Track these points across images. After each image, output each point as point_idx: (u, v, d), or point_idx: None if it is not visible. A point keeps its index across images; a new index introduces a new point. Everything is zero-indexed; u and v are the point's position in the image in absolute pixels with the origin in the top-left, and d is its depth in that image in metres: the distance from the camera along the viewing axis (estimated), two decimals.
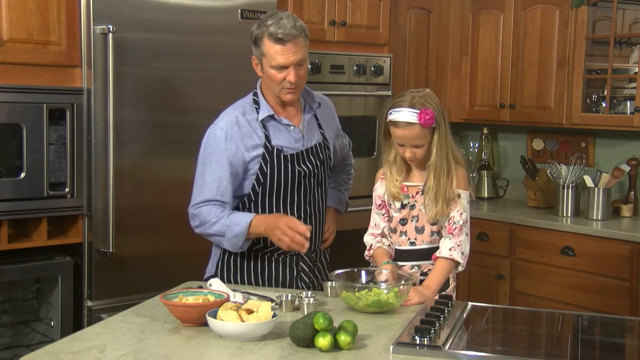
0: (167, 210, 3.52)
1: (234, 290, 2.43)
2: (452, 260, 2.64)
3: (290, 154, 2.70)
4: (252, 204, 2.71)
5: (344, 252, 3.21)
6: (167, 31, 3.53)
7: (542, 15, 4.53)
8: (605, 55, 4.31)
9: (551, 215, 4.41)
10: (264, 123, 2.69)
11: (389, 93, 4.45)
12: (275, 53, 2.59)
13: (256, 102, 2.72)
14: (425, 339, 2.09)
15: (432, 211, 2.65)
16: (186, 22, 3.58)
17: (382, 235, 2.77)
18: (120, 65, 3.38)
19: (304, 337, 2.07)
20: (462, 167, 2.71)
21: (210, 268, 2.83)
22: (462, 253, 2.65)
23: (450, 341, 2.12)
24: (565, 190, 4.38)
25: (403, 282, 2.47)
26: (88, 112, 3.39)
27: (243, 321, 2.12)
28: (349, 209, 3.14)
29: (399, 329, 2.24)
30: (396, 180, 2.71)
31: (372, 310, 2.40)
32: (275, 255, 2.74)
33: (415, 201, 2.70)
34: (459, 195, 2.67)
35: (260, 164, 2.67)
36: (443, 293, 2.64)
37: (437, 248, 2.68)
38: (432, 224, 2.69)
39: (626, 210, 4.34)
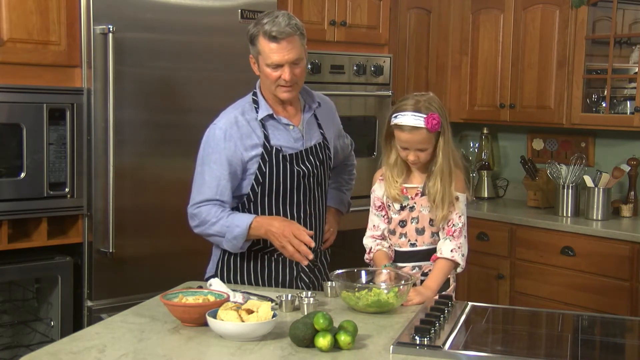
0: (167, 210, 3.52)
1: (234, 290, 2.43)
2: (453, 261, 2.64)
3: (289, 154, 2.70)
4: (252, 204, 2.71)
5: (344, 252, 3.21)
6: (167, 31, 3.53)
7: (542, 15, 4.53)
8: (605, 55, 4.30)
9: (551, 215, 4.41)
10: (263, 123, 2.69)
11: (389, 93, 4.45)
12: (270, 51, 2.59)
13: (255, 102, 2.72)
14: (425, 339, 2.09)
15: (440, 215, 2.65)
16: (186, 22, 3.58)
17: (382, 237, 2.76)
18: (120, 65, 3.38)
19: (304, 337, 2.07)
20: (459, 169, 2.72)
21: (211, 268, 2.83)
22: (463, 255, 2.66)
23: (450, 341, 2.12)
24: (565, 190, 4.38)
25: (403, 282, 2.47)
26: (88, 112, 3.39)
27: (243, 321, 2.12)
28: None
29: (399, 329, 2.24)
30: (396, 182, 2.71)
31: (372, 310, 2.39)
32: (275, 256, 2.74)
33: (415, 203, 2.70)
34: (457, 198, 2.67)
35: (259, 163, 2.66)
36: (443, 293, 2.65)
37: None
38: (432, 225, 2.70)
39: (626, 210, 4.34)
